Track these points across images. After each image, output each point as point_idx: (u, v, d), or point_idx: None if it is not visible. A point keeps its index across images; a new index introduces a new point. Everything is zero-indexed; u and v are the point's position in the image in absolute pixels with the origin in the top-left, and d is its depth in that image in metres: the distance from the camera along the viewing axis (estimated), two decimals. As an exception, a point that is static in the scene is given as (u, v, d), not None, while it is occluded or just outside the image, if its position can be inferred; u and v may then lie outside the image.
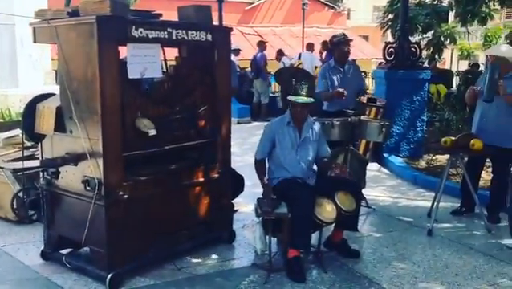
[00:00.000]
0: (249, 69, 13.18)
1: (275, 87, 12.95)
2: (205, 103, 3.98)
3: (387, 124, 4.95)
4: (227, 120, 4.10)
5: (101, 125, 3.22)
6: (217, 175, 4.02)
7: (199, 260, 3.84)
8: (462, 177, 4.96)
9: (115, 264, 3.37)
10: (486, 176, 5.28)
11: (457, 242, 4.25)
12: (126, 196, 3.40)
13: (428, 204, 4.91)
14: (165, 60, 4.23)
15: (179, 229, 3.83)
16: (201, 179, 3.92)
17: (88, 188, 3.32)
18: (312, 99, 3.84)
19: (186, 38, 3.69)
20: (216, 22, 9.53)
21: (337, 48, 5.27)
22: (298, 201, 3.58)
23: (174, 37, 3.60)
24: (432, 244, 4.23)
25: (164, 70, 4.40)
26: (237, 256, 3.98)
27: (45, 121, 3.55)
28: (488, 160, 5.02)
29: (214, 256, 3.93)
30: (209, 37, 3.83)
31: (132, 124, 3.47)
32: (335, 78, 5.28)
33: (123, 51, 3.43)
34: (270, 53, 15.46)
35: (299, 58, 11.85)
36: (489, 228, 4.50)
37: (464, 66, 20.42)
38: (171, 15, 4.06)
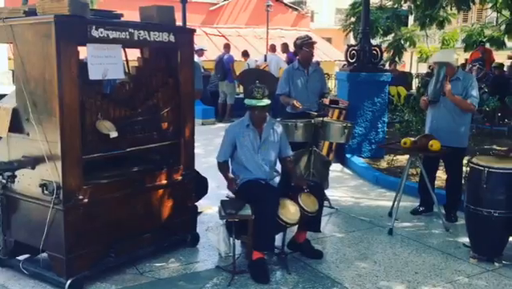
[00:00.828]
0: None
1: (240, 88, 12.98)
2: (168, 105, 3.94)
3: (349, 125, 5.02)
4: (191, 122, 4.07)
5: (59, 127, 3.14)
6: (180, 177, 3.98)
7: (162, 264, 3.80)
8: (420, 177, 5.09)
9: (74, 270, 3.29)
10: (444, 175, 5.43)
11: (417, 241, 4.36)
12: (86, 200, 3.32)
13: (389, 203, 5.02)
14: (127, 61, 4.16)
15: (141, 232, 3.77)
16: (164, 182, 3.88)
17: (46, 192, 3.23)
18: (269, 101, 3.84)
19: (148, 39, 3.64)
20: (179, 23, 9.47)
21: (301, 50, 5.31)
22: (261, 202, 3.59)
23: (136, 38, 3.55)
24: (393, 243, 4.32)
25: (126, 71, 4.33)
26: (200, 259, 3.95)
27: (0, 123, 3.44)
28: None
29: (178, 259, 3.89)
30: (172, 38, 3.80)
31: (92, 127, 3.39)
32: (298, 80, 5.33)
33: (84, 52, 3.36)
34: (235, 54, 15.46)
35: (265, 60, 11.90)
36: (446, 226, 4.63)
37: (423, 68, 21.00)
38: (133, 15, 4.00)
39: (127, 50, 4.02)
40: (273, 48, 12.51)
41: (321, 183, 4.72)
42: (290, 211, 3.67)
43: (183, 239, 4.09)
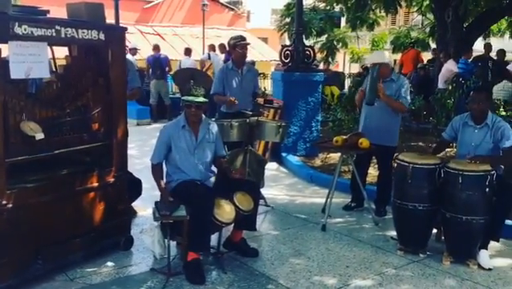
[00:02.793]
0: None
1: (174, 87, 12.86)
2: (98, 105, 3.83)
3: (283, 124, 5.10)
4: (123, 122, 3.97)
5: (-20, 129, 2.97)
6: (112, 179, 3.88)
7: (94, 269, 3.68)
8: (352, 174, 5.27)
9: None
10: (374, 172, 5.66)
11: (348, 236, 4.52)
12: (10, 205, 3.16)
13: (323, 200, 5.16)
14: (54, 60, 4.01)
15: (71, 237, 3.64)
16: (95, 184, 3.76)
17: (-34, 198, 3.04)
18: (206, 100, 3.85)
19: (77, 36, 3.51)
20: (112, 21, 9.22)
21: (233, 51, 5.34)
22: (196, 203, 3.57)
23: (63, 35, 3.41)
24: (326, 238, 4.45)
25: (54, 70, 4.17)
26: (134, 262, 3.87)
27: None
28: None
29: (110, 263, 3.79)
30: (102, 36, 3.68)
31: (16, 128, 3.23)
32: (232, 80, 5.36)
33: (6, 50, 3.20)
34: (173, 53, 15.26)
35: (209, 58, 11.82)
36: (376, 221, 4.83)
37: (355, 68, 21.74)
38: (61, 12, 3.85)
39: (54, 48, 3.89)
40: (213, 48, 12.47)
41: (256, 182, 4.77)
42: (225, 211, 3.68)
43: (116, 243, 3.98)
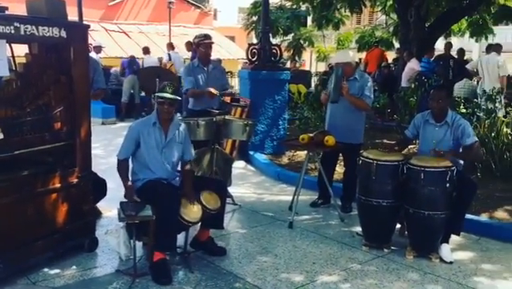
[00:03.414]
0: (115, 68, 12.73)
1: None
2: (60, 104, 3.74)
3: (250, 122, 5.12)
4: (86, 122, 3.89)
5: None
6: (76, 180, 3.80)
7: (57, 271, 3.60)
8: (319, 171, 5.33)
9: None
10: (340, 169, 5.73)
11: (315, 232, 4.57)
12: (-32, 207, 3.06)
13: (290, 198, 5.20)
14: (13, 57, 3.89)
15: (33, 240, 3.55)
16: (58, 185, 3.67)
17: None
18: (179, 98, 3.83)
19: (37, 34, 3.42)
20: (75, 18, 9.01)
21: (198, 49, 5.32)
22: (163, 202, 3.54)
23: (22, 32, 3.32)
24: (293, 236, 4.48)
25: (13, 68, 4.04)
26: (99, 264, 3.81)
27: None
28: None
29: (74, 266, 3.71)
30: (64, 33, 3.60)
31: (-27, 128, 3.13)
32: (199, 77, 5.34)
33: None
34: (136, 51, 15.06)
35: (170, 58, 11.73)
36: (342, 217, 4.90)
37: (321, 67, 21.98)
38: (20, 8, 3.74)
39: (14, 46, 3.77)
40: (172, 46, 12.38)
41: (223, 181, 4.76)
42: (192, 210, 3.66)
43: (80, 244, 3.91)
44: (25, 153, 3.50)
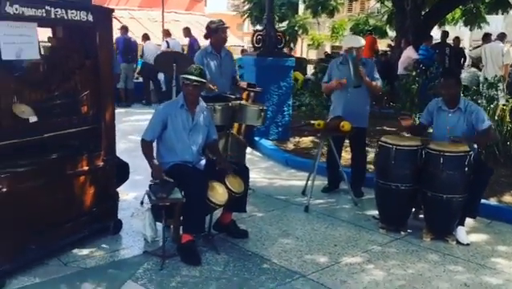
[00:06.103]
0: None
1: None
2: (86, 88, 3.76)
3: (264, 108, 5.17)
4: (111, 106, 3.92)
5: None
6: (101, 163, 3.83)
7: (86, 252, 3.65)
8: (328, 157, 5.41)
9: (-7, 264, 3.05)
10: (346, 155, 5.81)
11: (331, 216, 4.67)
12: (3, 189, 3.08)
13: (301, 182, 5.29)
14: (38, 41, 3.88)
15: (62, 222, 3.59)
16: (85, 168, 3.71)
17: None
18: (204, 80, 3.86)
19: (66, 17, 3.41)
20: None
21: (215, 34, 5.33)
22: (191, 185, 3.59)
23: (53, 15, 3.32)
24: (310, 219, 4.58)
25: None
26: (126, 245, 3.86)
27: None
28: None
29: (102, 247, 3.76)
30: (90, 17, 3.60)
31: (8, 111, 3.14)
32: (212, 63, 5.35)
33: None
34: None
35: (168, 46, 11.64)
36: (355, 201, 5.00)
37: (313, 55, 22.00)
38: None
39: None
40: (168, 33, 12.28)
41: (245, 164, 4.81)
42: (218, 192, 3.72)
43: (105, 227, 3.95)
44: (53, 136, 3.53)
